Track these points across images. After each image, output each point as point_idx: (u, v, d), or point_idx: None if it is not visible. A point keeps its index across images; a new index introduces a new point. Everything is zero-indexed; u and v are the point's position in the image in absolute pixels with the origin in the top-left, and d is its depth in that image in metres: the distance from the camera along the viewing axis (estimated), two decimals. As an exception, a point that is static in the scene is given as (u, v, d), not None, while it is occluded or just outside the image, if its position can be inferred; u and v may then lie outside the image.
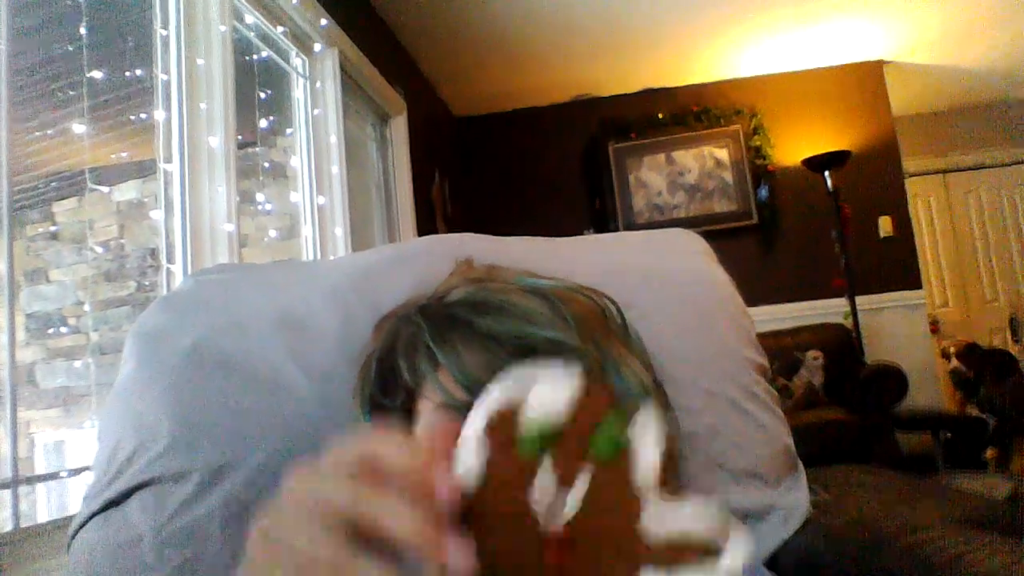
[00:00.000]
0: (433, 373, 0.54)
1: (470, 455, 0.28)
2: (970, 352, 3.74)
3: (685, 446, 0.66)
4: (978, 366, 3.69)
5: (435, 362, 0.54)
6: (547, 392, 0.29)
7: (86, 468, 1.43)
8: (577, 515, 0.28)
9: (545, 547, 0.27)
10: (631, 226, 4.11)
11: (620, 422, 0.29)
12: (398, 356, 0.58)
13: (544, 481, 0.28)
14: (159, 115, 1.73)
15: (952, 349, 3.77)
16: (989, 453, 3.53)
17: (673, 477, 0.67)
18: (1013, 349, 4.63)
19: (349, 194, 2.52)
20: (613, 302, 0.62)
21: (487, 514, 0.28)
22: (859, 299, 3.78)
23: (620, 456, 0.29)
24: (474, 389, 0.51)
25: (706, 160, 4.17)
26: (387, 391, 0.60)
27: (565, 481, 0.28)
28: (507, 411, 0.29)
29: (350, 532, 0.27)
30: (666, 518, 0.28)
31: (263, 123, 2.25)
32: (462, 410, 0.52)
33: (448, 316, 0.56)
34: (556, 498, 0.28)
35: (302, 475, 0.29)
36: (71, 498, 1.65)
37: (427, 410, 0.55)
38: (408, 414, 0.58)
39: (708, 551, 0.28)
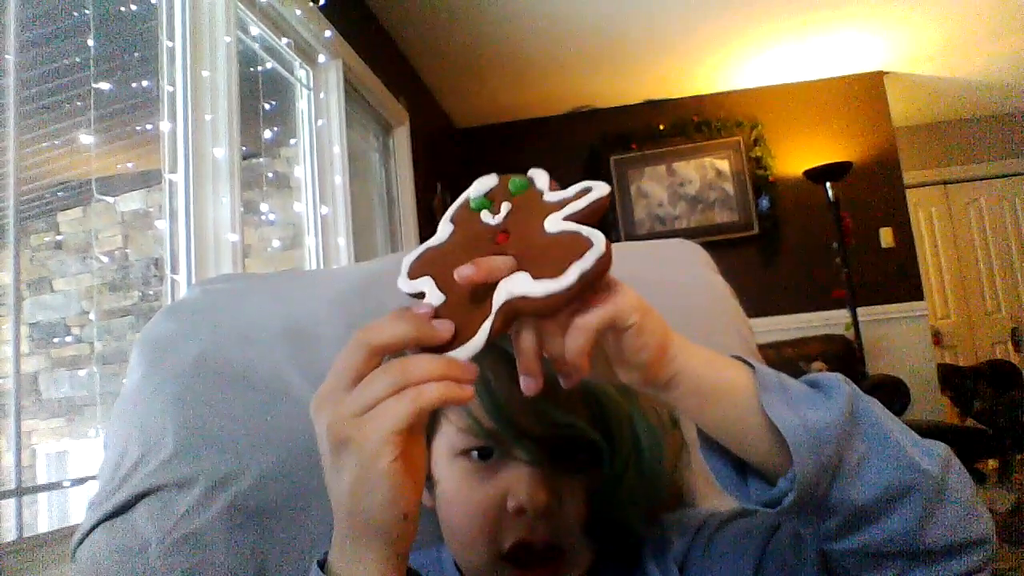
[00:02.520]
0: None
1: (443, 225, 0.48)
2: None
3: (689, 456, 0.66)
4: (973, 379, 3.70)
5: None
6: (481, 180, 0.49)
7: (89, 478, 1.44)
8: (509, 217, 0.45)
9: (495, 241, 0.44)
10: (632, 237, 4.11)
11: (523, 175, 0.47)
12: None
13: (488, 215, 0.46)
14: (164, 126, 1.74)
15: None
16: (989, 465, 3.52)
17: (679, 489, 0.67)
18: (1015, 359, 4.62)
19: (352, 204, 2.53)
20: None
21: (458, 239, 0.47)
22: (860, 310, 3.78)
23: (527, 191, 0.46)
24: (499, 418, 0.53)
25: (707, 171, 4.18)
26: None
27: (499, 204, 0.46)
28: (464, 199, 0.48)
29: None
30: (555, 194, 0.45)
31: (267, 134, 2.26)
32: (483, 436, 0.53)
33: None
34: (495, 218, 0.46)
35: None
36: (72, 508, 1.65)
37: (450, 431, 0.56)
38: (428, 426, 0.59)
39: (583, 195, 0.44)
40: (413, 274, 0.45)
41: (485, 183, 0.48)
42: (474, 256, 0.42)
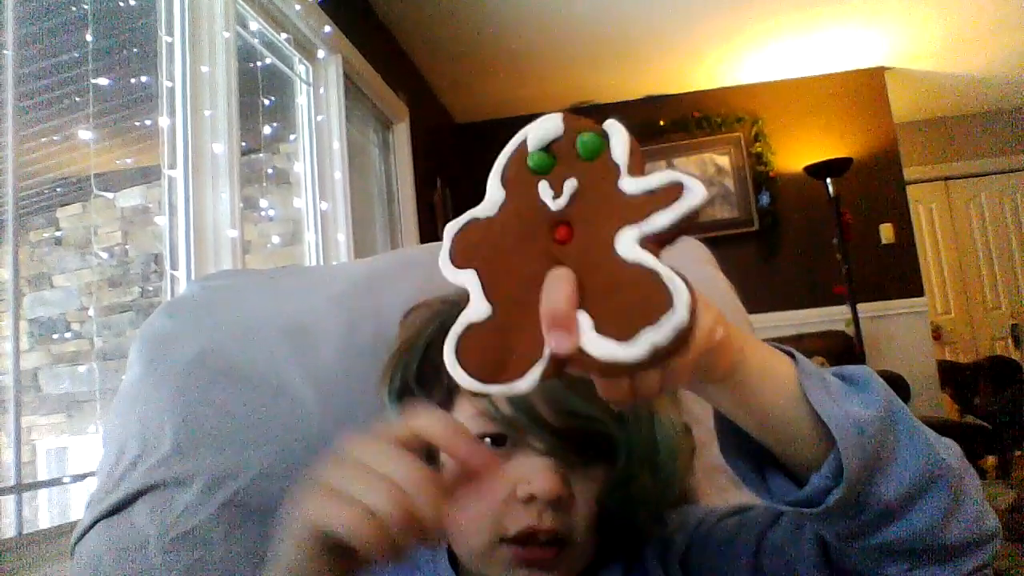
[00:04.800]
0: None
1: (494, 186, 0.39)
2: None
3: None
4: (974, 375, 3.70)
5: None
6: (541, 123, 0.38)
7: (89, 474, 1.44)
8: (573, 201, 0.36)
9: (555, 232, 0.36)
10: (633, 233, 4.10)
11: (598, 129, 0.37)
12: None
13: (547, 183, 0.37)
14: (163, 121, 1.74)
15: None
16: (989, 462, 3.52)
17: (685, 489, 0.67)
18: (1015, 355, 4.62)
19: (352, 200, 2.53)
20: None
21: (509, 218, 0.37)
22: (861, 306, 3.77)
23: (601, 152, 0.36)
24: (517, 405, 0.52)
25: (707, 167, 4.17)
26: (425, 385, 0.60)
27: (563, 178, 0.37)
28: (519, 146, 0.39)
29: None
30: (637, 184, 0.35)
31: (267, 129, 2.25)
32: (499, 422, 0.52)
33: None
34: (556, 192, 0.36)
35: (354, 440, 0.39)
36: (73, 504, 1.65)
37: (465, 416, 0.56)
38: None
39: (670, 198, 0.34)
40: (457, 257, 0.38)
41: (548, 128, 0.38)
42: (527, 254, 0.36)
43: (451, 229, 0.39)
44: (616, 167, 0.36)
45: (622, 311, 0.32)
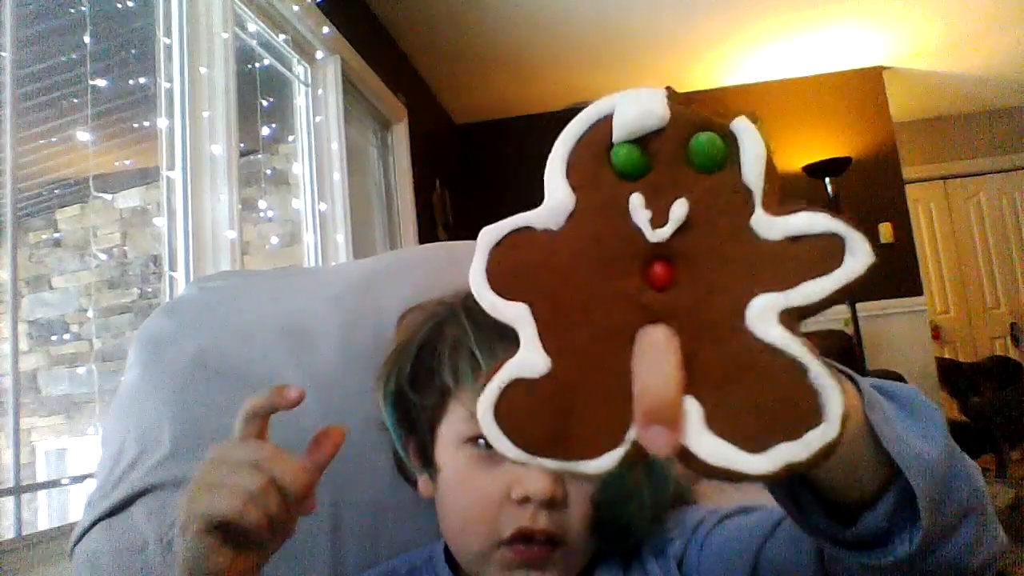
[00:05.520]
0: (474, 382, 0.54)
1: (558, 184, 0.27)
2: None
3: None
4: (975, 375, 3.70)
5: (478, 371, 0.54)
6: (635, 101, 0.26)
7: (88, 476, 1.44)
8: (680, 232, 0.26)
9: (649, 270, 0.26)
10: (632, 233, 4.10)
11: (719, 128, 0.27)
12: (441, 356, 0.58)
13: (641, 198, 0.26)
14: (162, 123, 1.74)
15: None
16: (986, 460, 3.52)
17: (682, 490, 0.67)
18: (1014, 354, 4.62)
19: (350, 201, 2.53)
20: None
21: (582, 240, 0.27)
22: (859, 306, 3.78)
23: (724, 165, 0.26)
24: None
25: (706, 167, 4.17)
26: (418, 387, 0.60)
27: (665, 194, 0.26)
28: (595, 127, 0.27)
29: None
30: (775, 226, 0.25)
31: (265, 130, 2.25)
32: None
33: (495, 324, 0.56)
34: (655, 214, 0.26)
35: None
36: (72, 506, 1.65)
37: (458, 418, 0.56)
38: (434, 413, 0.59)
39: (826, 258, 0.24)
40: (501, 282, 0.28)
41: (647, 111, 0.26)
42: (606, 293, 0.26)
43: (491, 237, 0.28)
44: (746, 193, 0.26)
45: (750, 410, 0.24)
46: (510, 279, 0.27)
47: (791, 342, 0.24)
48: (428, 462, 0.60)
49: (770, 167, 0.26)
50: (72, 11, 1.60)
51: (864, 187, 4.04)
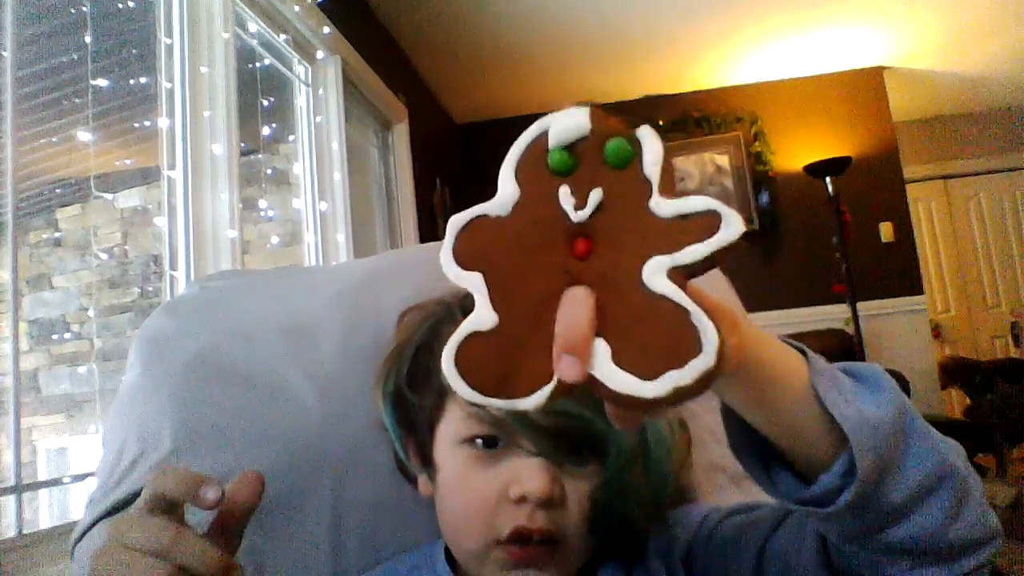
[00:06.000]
0: None
1: (507, 181, 0.36)
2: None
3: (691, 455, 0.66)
4: (969, 376, 3.69)
5: None
6: (565, 117, 0.35)
7: (89, 474, 1.44)
8: (596, 214, 0.34)
9: (573, 244, 0.34)
10: (632, 232, 4.10)
11: (628, 134, 0.34)
12: (438, 356, 0.58)
13: (568, 189, 0.34)
14: (163, 122, 1.74)
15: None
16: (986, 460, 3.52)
17: (683, 486, 0.67)
18: (1014, 354, 4.62)
19: (351, 201, 2.53)
20: None
21: (524, 223, 0.35)
22: (860, 305, 3.78)
23: (630, 163, 0.34)
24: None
25: (707, 166, 4.18)
26: (416, 387, 0.60)
27: (587, 186, 0.34)
28: (537, 138, 0.36)
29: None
30: (668, 206, 0.33)
31: (266, 130, 2.25)
32: (489, 424, 0.53)
33: None
34: (578, 200, 0.34)
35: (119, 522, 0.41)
36: (73, 505, 1.65)
37: (456, 417, 0.56)
38: (432, 413, 0.59)
39: (706, 229, 0.32)
40: (463, 256, 0.35)
41: (573, 125, 0.35)
42: (542, 265, 0.34)
43: (456, 223, 0.36)
44: (647, 183, 0.33)
45: (646, 346, 0.31)
46: (469, 254, 0.35)
47: (676, 292, 0.31)
48: (427, 462, 0.60)
49: (666, 163, 0.33)
50: (73, 11, 1.60)
51: (865, 187, 4.04)
